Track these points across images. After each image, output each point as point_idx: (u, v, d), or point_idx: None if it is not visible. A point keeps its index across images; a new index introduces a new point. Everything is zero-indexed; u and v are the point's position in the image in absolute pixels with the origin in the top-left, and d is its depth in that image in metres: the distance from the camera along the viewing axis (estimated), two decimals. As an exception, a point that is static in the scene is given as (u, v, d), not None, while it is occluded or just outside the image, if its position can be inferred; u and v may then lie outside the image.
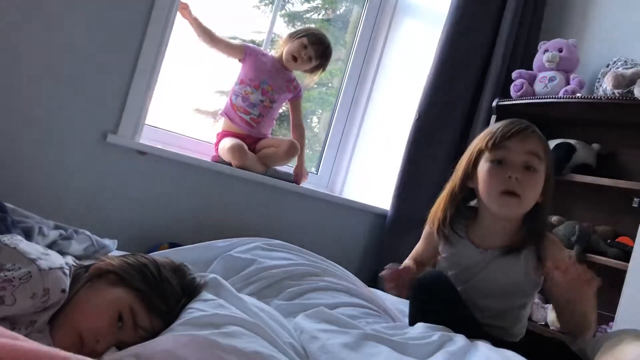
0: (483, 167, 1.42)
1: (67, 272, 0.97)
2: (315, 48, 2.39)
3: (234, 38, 2.75)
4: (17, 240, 0.96)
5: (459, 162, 1.52)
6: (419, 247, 1.63)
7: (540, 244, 1.43)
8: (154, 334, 0.96)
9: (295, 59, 2.38)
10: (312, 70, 2.47)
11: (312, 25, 2.49)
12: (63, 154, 1.97)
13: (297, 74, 2.51)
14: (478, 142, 1.46)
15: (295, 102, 2.52)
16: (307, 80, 2.54)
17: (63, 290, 0.93)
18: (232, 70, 2.58)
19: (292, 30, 2.50)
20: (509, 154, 1.38)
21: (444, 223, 1.49)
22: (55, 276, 0.92)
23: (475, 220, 1.49)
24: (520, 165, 1.37)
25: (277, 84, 2.40)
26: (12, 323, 0.90)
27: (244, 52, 2.38)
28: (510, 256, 1.42)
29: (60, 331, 0.94)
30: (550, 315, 2.10)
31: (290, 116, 2.55)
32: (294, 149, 2.36)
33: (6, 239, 0.95)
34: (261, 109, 2.37)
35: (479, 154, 1.44)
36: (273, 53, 2.49)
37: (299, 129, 2.51)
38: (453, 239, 1.49)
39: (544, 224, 1.47)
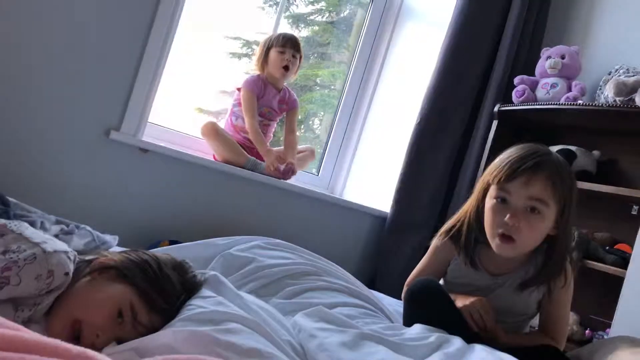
0: (489, 202, 1.40)
1: (72, 257, 0.98)
2: (290, 45, 2.39)
3: (238, 38, 2.76)
4: (23, 227, 0.99)
5: (477, 183, 1.49)
6: (427, 263, 1.56)
7: (556, 279, 1.41)
8: (152, 330, 0.97)
9: (287, 67, 2.39)
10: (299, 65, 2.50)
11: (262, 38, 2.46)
12: (66, 150, 1.98)
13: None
14: (489, 172, 1.41)
15: (291, 113, 2.53)
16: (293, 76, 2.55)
17: (66, 274, 0.94)
18: (234, 69, 2.60)
19: (258, 52, 2.46)
20: (511, 197, 1.35)
21: (468, 243, 1.46)
22: (59, 258, 0.94)
23: (487, 244, 1.45)
24: (522, 209, 1.34)
25: (272, 107, 2.44)
26: (16, 304, 0.92)
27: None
28: (523, 290, 1.42)
29: (55, 321, 0.95)
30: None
31: (285, 123, 2.55)
32: (312, 156, 2.60)
33: (13, 225, 0.98)
34: (260, 127, 2.38)
35: (488, 186, 1.41)
36: (258, 72, 2.46)
37: (291, 135, 2.48)
38: (471, 260, 1.46)
39: (561, 259, 1.41)
